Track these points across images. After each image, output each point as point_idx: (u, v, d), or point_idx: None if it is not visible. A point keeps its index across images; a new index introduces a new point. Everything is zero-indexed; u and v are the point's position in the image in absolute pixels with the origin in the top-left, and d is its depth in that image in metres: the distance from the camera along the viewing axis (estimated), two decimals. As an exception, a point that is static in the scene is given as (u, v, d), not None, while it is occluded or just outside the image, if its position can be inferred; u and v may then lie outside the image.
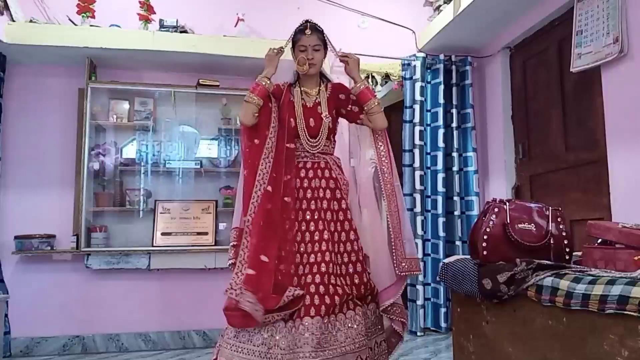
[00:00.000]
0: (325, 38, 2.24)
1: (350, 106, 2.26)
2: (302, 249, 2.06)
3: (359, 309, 2.02)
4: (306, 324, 1.90)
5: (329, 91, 2.26)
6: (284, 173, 2.11)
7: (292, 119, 2.17)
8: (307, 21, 2.21)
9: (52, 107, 3.58)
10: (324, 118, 2.18)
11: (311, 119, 2.18)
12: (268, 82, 2.17)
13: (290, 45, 2.24)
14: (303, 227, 2.09)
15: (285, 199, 2.09)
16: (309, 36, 2.18)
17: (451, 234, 3.81)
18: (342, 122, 2.36)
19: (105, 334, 3.44)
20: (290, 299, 1.91)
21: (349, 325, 1.97)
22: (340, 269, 2.05)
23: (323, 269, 2.00)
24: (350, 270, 2.08)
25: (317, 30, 2.21)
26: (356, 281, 2.07)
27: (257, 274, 1.93)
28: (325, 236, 2.06)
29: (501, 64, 3.77)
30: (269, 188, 2.08)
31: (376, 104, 2.20)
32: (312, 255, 2.04)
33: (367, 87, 2.22)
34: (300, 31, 2.20)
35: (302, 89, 2.24)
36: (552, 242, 1.80)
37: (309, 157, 2.19)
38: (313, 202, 2.13)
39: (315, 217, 2.10)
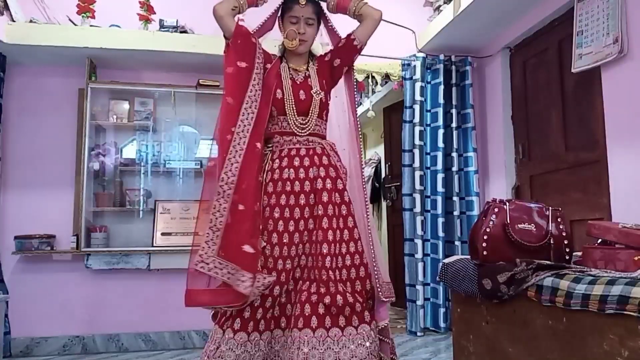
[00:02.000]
0: (322, 12, 1.99)
1: (335, 60, 2.00)
2: (300, 251, 1.82)
3: (365, 326, 1.75)
4: (294, 335, 1.70)
5: (317, 64, 2.01)
6: (261, 146, 1.85)
7: (279, 89, 1.89)
8: None
9: (52, 107, 3.57)
10: (314, 94, 1.91)
11: (301, 92, 1.91)
12: None
13: (279, 14, 1.99)
14: (302, 227, 1.82)
15: (260, 178, 1.84)
16: (304, 7, 1.90)
17: (450, 234, 3.81)
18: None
19: (105, 334, 3.43)
20: (260, 289, 1.70)
21: (360, 342, 1.71)
22: (341, 273, 1.79)
23: (317, 276, 1.77)
24: (353, 275, 1.81)
25: (313, 1, 1.94)
26: (358, 288, 1.81)
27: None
28: (329, 237, 1.80)
29: (501, 64, 3.77)
30: (258, 145, 1.81)
31: (359, 0, 1.95)
32: (311, 259, 1.81)
33: None
34: (292, 0, 1.92)
35: (289, 65, 1.97)
36: (552, 242, 1.80)
37: (302, 144, 1.89)
38: (312, 195, 1.84)
39: (315, 213, 1.83)
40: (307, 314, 1.72)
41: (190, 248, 1.60)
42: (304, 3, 1.90)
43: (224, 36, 1.92)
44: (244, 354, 1.70)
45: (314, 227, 1.83)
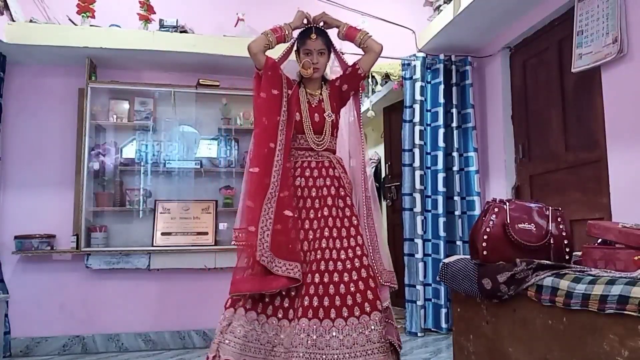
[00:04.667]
0: (332, 43, 2.31)
1: (343, 86, 2.32)
2: (305, 247, 2.09)
3: (365, 317, 1.97)
4: (303, 325, 1.92)
5: (329, 88, 2.33)
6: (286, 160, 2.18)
7: (298, 113, 2.23)
8: (313, 26, 2.28)
9: (52, 107, 3.57)
10: (327, 117, 2.25)
11: (316, 115, 2.25)
12: (289, 31, 2.24)
13: (295, 48, 2.32)
14: (307, 226, 2.13)
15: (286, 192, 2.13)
16: (315, 40, 2.23)
17: (452, 234, 3.81)
18: (342, 123, 2.40)
19: (105, 334, 3.43)
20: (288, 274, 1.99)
21: (360, 330, 1.94)
22: (344, 264, 2.04)
23: (322, 267, 2.02)
24: (357, 264, 2.05)
25: (322, 34, 2.27)
26: (363, 275, 2.04)
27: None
28: (326, 233, 2.09)
29: (501, 64, 3.77)
30: (289, 163, 2.18)
31: (364, 33, 2.28)
32: (313, 253, 2.06)
33: (350, 26, 2.30)
34: (305, 34, 2.26)
35: (306, 90, 2.30)
36: (552, 242, 1.80)
37: (313, 157, 2.23)
38: (317, 200, 2.16)
39: (319, 215, 2.13)
40: (315, 306, 1.95)
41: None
42: (314, 37, 2.23)
43: (256, 67, 2.24)
44: (251, 332, 1.99)
45: (317, 226, 2.11)
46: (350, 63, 2.35)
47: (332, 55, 2.39)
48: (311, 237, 2.10)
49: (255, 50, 2.19)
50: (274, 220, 2.03)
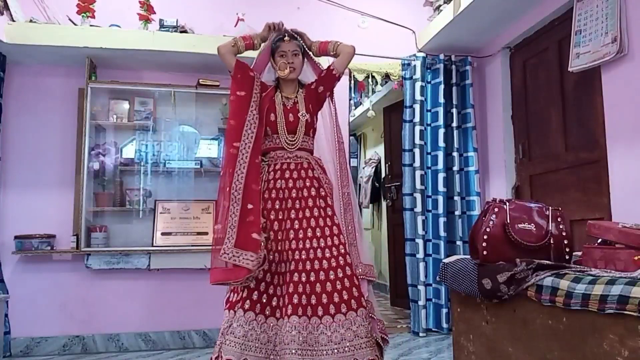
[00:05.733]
0: (303, 45, 2.40)
1: (319, 87, 2.38)
2: (286, 246, 2.15)
3: (351, 313, 2.04)
4: (294, 322, 1.99)
5: (305, 91, 2.39)
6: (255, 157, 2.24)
7: (272, 113, 2.30)
8: (286, 31, 2.39)
9: (52, 107, 3.57)
10: (301, 117, 2.31)
11: (290, 115, 2.31)
12: (257, 41, 2.35)
13: (270, 55, 2.38)
14: (288, 226, 2.18)
15: (253, 185, 2.19)
16: (288, 42, 2.33)
17: (452, 234, 3.81)
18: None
19: (105, 334, 3.44)
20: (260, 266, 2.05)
21: (347, 326, 2.01)
22: (329, 262, 2.10)
23: (308, 267, 2.09)
24: (342, 262, 2.12)
25: (295, 37, 2.38)
26: (348, 272, 2.10)
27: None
28: (309, 233, 2.15)
29: (501, 64, 3.77)
30: (257, 159, 2.22)
31: (335, 42, 2.39)
32: (297, 252, 2.12)
33: (321, 42, 2.40)
34: (278, 39, 2.36)
35: (282, 94, 2.36)
36: (552, 242, 1.80)
37: (292, 159, 2.28)
38: (298, 201, 2.22)
39: (300, 215, 2.19)
40: (304, 304, 2.03)
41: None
42: (288, 39, 2.34)
43: (228, 71, 2.32)
44: (251, 332, 2.05)
45: (300, 226, 2.18)
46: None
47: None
48: (292, 236, 2.15)
49: (222, 51, 2.30)
50: (240, 216, 2.09)
